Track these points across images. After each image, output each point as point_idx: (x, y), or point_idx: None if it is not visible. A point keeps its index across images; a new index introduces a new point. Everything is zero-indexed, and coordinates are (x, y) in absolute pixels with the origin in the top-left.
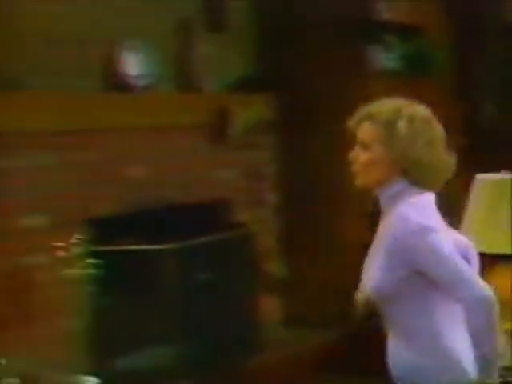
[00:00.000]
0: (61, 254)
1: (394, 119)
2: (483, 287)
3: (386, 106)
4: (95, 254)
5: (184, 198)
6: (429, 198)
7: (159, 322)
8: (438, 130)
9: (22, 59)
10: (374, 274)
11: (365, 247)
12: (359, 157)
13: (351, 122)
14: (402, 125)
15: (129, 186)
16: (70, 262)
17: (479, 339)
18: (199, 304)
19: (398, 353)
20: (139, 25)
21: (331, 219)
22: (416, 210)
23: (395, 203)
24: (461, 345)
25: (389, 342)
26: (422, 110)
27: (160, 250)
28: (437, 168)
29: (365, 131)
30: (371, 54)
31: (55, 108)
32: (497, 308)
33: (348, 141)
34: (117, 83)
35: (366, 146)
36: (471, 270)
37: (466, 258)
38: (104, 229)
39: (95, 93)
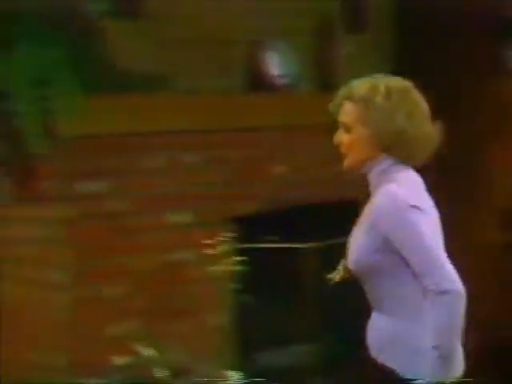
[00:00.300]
0: (208, 250)
1: (370, 96)
2: (452, 280)
3: (362, 83)
4: (240, 252)
5: (324, 196)
6: (416, 176)
7: (300, 319)
8: (419, 100)
9: (167, 60)
10: (355, 248)
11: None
12: (342, 139)
13: (332, 106)
14: (379, 100)
15: (272, 184)
16: (217, 259)
17: (438, 333)
18: (338, 302)
19: (377, 326)
20: (279, 24)
21: (469, 217)
22: (405, 188)
23: (382, 181)
24: None
25: (371, 316)
26: (399, 83)
27: (302, 248)
28: (420, 140)
29: (345, 112)
30: (507, 51)
31: (199, 108)
32: (463, 305)
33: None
34: (258, 83)
35: (347, 128)
36: (446, 260)
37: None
38: (248, 227)
39: (237, 93)
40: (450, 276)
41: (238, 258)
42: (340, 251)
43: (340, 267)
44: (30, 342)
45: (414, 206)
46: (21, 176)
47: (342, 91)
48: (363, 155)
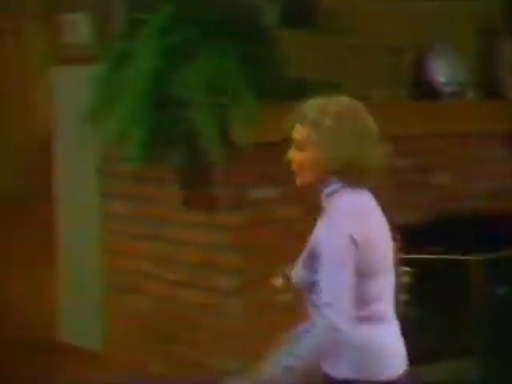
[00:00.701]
0: None
1: (319, 119)
2: (336, 322)
3: (313, 105)
4: (407, 262)
5: (489, 207)
6: (366, 200)
7: (463, 332)
8: (369, 122)
9: (337, 68)
10: (300, 258)
11: None
12: (294, 157)
13: (287, 123)
14: (328, 124)
15: (435, 193)
16: None
17: (296, 348)
18: (501, 316)
19: None
20: (444, 30)
21: None
22: (347, 218)
23: (331, 201)
24: (385, 338)
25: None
26: (350, 105)
27: (467, 260)
28: (371, 164)
29: (297, 132)
30: None
31: None
32: (327, 345)
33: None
34: (425, 90)
35: (299, 147)
36: (346, 297)
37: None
38: (413, 237)
39: (404, 100)
40: (338, 317)
41: (405, 269)
42: (507, 264)
43: (283, 274)
44: (205, 346)
45: (351, 238)
46: (196, 182)
47: (296, 111)
48: (313, 176)
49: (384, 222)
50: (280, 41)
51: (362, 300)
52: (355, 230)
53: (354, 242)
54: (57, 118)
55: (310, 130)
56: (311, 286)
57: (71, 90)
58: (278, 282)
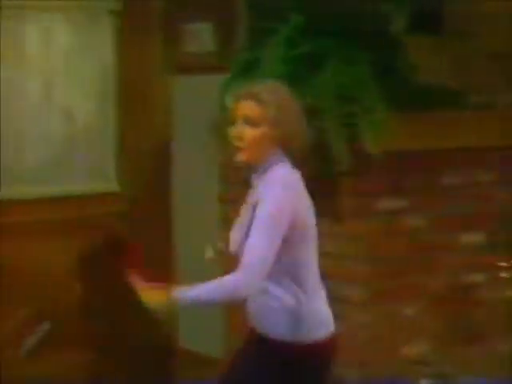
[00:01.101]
0: (502, 273)
1: (273, 98)
2: (239, 286)
3: (267, 86)
4: None
5: None
6: (296, 172)
7: None
8: (298, 103)
9: (463, 75)
10: (238, 228)
11: None
12: (244, 134)
13: (232, 101)
14: (281, 102)
15: None
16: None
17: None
18: None
19: (254, 301)
20: None
21: None
22: (284, 186)
23: (271, 173)
24: (316, 304)
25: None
26: (286, 90)
27: None
28: (303, 137)
29: (250, 109)
30: None
31: (494, 124)
32: (224, 299)
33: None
34: None
35: (252, 124)
36: (270, 256)
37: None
38: None
39: None
40: (253, 277)
41: None
42: None
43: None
44: None
45: (286, 207)
46: (323, 191)
47: (245, 89)
48: (264, 151)
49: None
50: (408, 47)
51: (293, 267)
52: (292, 200)
53: (288, 211)
54: (176, 124)
55: (266, 108)
56: None
57: (191, 98)
58: (209, 254)
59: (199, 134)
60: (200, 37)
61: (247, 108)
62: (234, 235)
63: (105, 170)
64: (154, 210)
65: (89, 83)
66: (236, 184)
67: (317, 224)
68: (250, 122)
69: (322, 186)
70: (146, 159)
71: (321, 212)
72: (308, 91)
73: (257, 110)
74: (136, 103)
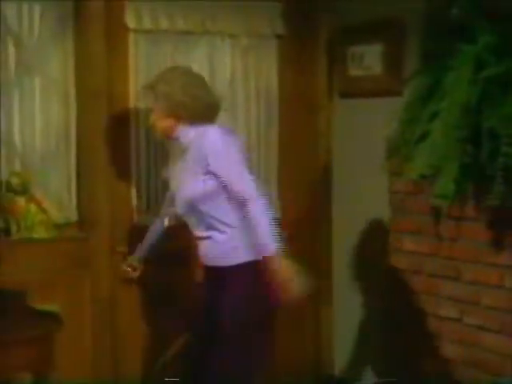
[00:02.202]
0: None
1: (155, 83)
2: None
3: (154, 76)
4: None
5: None
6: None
7: None
8: (197, 79)
9: None
10: (187, 186)
11: None
12: (150, 119)
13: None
14: (161, 86)
15: None
16: None
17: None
18: None
19: (213, 243)
20: None
21: None
22: (217, 131)
23: (194, 138)
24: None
25: (204, 239)
26: (179, 69)
27: None
28: (201, 105)
29: (145, 98)
30: None
31: None
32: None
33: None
34: None
35: (151, 110)
36: (248, 173)
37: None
38: None
39: None
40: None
41: None
42: None
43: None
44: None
45: (224, 139)
46: (509, 221)
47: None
48: (166, 125)
49: None
50: None
51: None
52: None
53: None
54: (338, 147)
55: (151, 93)
56: (202, 198)
57: (353, 121)
58: (127, 268)
59: (364, 159)
60: (367, 60)
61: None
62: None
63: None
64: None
65: (253, 107)
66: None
67: (500, 255)
68: (150, 109)
69: (507, 215)
70: (307, 185)
71: (505, 243)
72: (496, 114)
73: (147, 97)
74: (298, 127)
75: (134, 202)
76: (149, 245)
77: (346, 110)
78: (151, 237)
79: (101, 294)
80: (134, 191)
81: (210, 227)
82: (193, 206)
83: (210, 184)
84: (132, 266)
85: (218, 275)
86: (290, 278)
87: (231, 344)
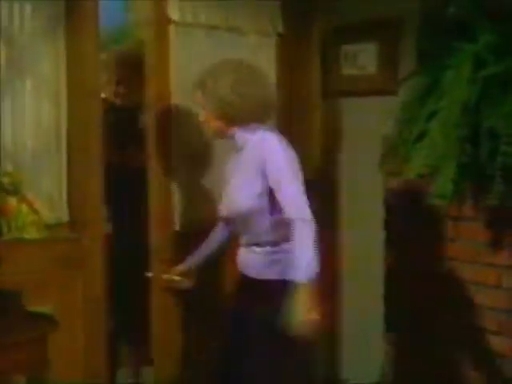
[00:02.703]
0: None
1: (204, 82)
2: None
3: (203, 72)
4: None
5: None
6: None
7: None
8: (249, 75)
9: None
10: (237, 190)
11: None
12: (200, 116)
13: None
14: (209, 85)
15: None
16: None
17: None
18: None
19: (251, 257)
20: None
21: None
22: (276, 137)
23: (248, 139)
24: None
25: (242, 250)
26: (230, 65)
27: None
28: (251, 104)
29: (196, 97)
30: None
31: None
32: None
33: None
34: None
35: (201, 108)
36: (303, 193)
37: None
38: None
39: None
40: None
41: None
42: None
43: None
44: None
45: (281, 149)
46: (509, 221)
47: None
48: (216, 127)
49: None
50: None
51: None
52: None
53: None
54: (332, 146)
55: (199, 91)
56: (249, 211)
57: (348, 121)
58: (175, 277)
59: (358, 158)
60: (361, 59)
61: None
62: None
63: None
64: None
65: None
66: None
67: (499, 256)
68: (201, 107)
69: (507, 215)
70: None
71: (504, 243)
72: (496, 113)
73: (197, 94)
74: (292, 126)
75: (176, 208)
76: (206, 254)
77: (341, 109)
78: (210, 246)
79: (94, 295)
80: (176, 197)
81: (252, 237)
82: (239, 212)
83: (261, 192)
84: (183, 275)
85: (252, 287)
86: (304, 312)
87: (258, 357)
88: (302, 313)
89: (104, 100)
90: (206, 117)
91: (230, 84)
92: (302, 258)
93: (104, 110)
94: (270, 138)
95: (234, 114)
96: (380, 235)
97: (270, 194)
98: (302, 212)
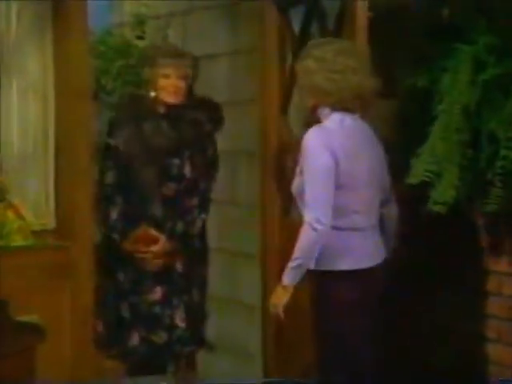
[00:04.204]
0: None
1: (305, 56)
2: (318, 219)
3: (309, 44)
4: None
5: None
6: (351, 122)
7: None
8: (351, 60)
9: None
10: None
11: None
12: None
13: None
14: (307, 61)
15: None
16: None
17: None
18: None
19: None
20: None
21: None
22: (318, 132)
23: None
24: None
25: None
26: (335, 46)
27: None
28: (342, 93)
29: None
30: None
31: None
32: (311, 238)
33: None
34: None
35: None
36: (327, 198)
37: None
38: None
39: None
40: (320, 217)
41: None
42: None
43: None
44: None
45: (321, 147)
46: (509, 227)
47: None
48: (308, 102)
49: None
50: None
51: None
52: (329, 142)
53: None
54: None
55: (297, 66)
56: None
57: None
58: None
59: None
60: None
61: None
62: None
63: None
64: None
65: None
66: None
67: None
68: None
69: (507, 220)
70: None
71: (504, 250)
72: (496, 118)
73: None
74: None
75: None
76: None
77: None
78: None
79: (82, 304)
80: None
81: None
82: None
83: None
84: None
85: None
86: (272, 307)
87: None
88: (271, 306)
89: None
90: (298, 88)
91: (328, 68)
92: (292, 262)
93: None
94: (312, 133)
95: (325, 98)
96: None
97: None
98: (313, 216)
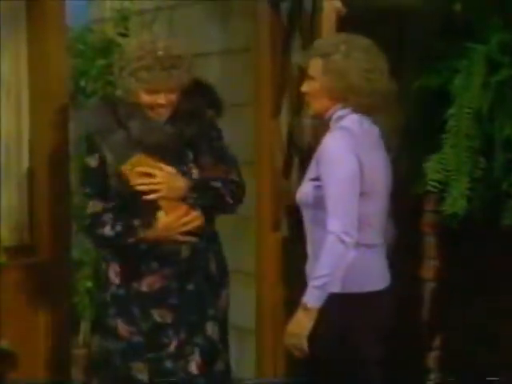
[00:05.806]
0: None
1: (330, 53)
2: (341, 229)
3: (328, 40)
4: None
5: None
6: (369, 126)
7: None
8: (377, 59)
9: None
10: (302, 185)
11: None
12: (306, 88)
13: (304, 59)
14: (336, 58)
15: None
16: None
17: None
18: None
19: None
20: None
21: None
22: (342, 134)
23: (334, 127)
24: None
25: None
26: (361, 43)
27: None
28: (375, 94)
29: (310, 65)
30: None
31: None
32: (340, 252)
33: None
34: None
35: (310, 78)
36: (354, 208)
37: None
38: None
39: None
40: (343, 226)
41: None
42: None
43: None
44: None
45: (347, 151)
46: None
47: (313, 46)
48: (323, 103)
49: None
50: None
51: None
52: (351, 149)
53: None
54: None
55: (320, 61)
56: (308, 203)
57: None
58: None
59: None
60: None
61: (311, 64)
62: (301, 187)
63: None
64: None
65: None
66: None
67: None
68: (309, 76)
69: None
70: None
71: None
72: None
73: (312, 63)
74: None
75: None
76: None
77: None
78: None
79: (57, 327)
80: None
81: (311, 239)
82: (302, 209)
83: (316, 192)
84: None
85: None
86: (292, 337)
87: None
88: (290, 337)
89: None
90: (313, 89)
91: (362, 67)
92: (313, 277)
93: None
94: (335, 136)
95: (352, 99)
96: None
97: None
98: (338, 228)
